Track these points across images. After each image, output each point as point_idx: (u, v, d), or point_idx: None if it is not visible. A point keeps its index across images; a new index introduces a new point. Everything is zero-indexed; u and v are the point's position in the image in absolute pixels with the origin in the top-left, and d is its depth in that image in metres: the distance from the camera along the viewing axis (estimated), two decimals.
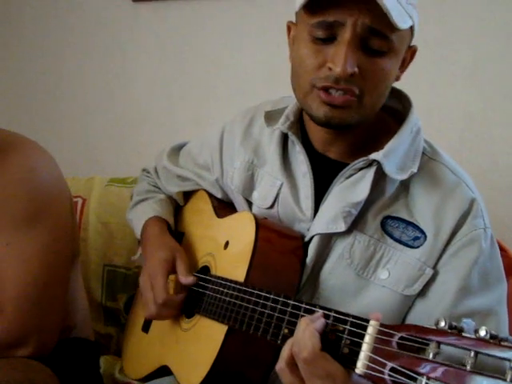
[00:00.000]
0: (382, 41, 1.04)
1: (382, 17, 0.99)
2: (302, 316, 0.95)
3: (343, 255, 1.15)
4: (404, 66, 1.16)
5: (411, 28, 1.09)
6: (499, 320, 1.10)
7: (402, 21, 1.02)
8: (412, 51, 1.16)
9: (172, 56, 2.40)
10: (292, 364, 0.85)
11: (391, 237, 1.13)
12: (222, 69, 2.34)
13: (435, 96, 2.06)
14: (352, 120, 1.10)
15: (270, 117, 1.28)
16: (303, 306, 0.96)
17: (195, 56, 2.38)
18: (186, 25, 2.37)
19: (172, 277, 1.31)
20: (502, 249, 1.56)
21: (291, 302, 0.99)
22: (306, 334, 0.85)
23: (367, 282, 1.14)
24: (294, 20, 1.17)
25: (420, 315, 1.11)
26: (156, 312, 1.29)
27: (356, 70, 1.04)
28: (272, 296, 1.03)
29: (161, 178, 1.55)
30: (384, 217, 1.14)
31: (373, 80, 1.07)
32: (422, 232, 1.12)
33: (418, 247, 1.12)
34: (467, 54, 2.10)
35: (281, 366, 0.87)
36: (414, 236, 1.12)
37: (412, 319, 1.12)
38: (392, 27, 1.01)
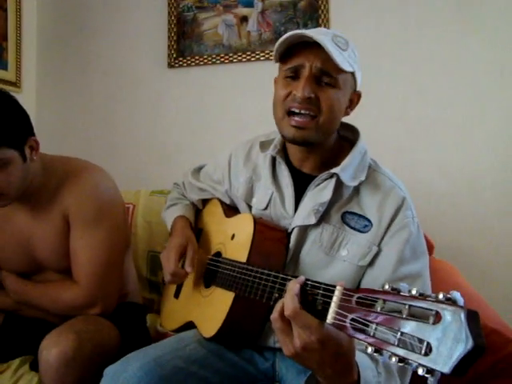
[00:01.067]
0: (330, 78, 1.08)
1: (329, 63, 1.05)
2: None
3: (315, 240, 1.14)
4: (352, 105, 1.17)
5: (353, 76, 1.12)
6: (424, 281, 1.10)
7: (343, 64, 1.06)
8: (357, 95, 1.18)
9: (195, 105, 2.39)
10: (282, 314, 0.84)
11: (349, 226, 1.14)
12: (229, 113, 2.34)
13: (373, 132, 2.05)
14: (312, 138, 1.11)
15: (264, 145, 1.29)
16: (289, 277, 0.95)
17: (210, 106, 2.37)
18: (204, 84, 2.37)
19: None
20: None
21: (280, 275, 0.98)
22: (288, 297, 0.84)
23: (333, 259, 1.14)
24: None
25: (369, 280, 1.11)
26: (169, 279, 1.27)
27: (312, 95, 1.07)
28: (266, 271, 1.02)
29: (186, 190, 1.53)
30: (343, 212, 1.14)
31: (326, 104, 1.09)
32: (370, 221, 1.12)
33: (367, 232, 1.12)
34: (397, 93, 2.10)
35: (274, 316, 0.85)
36: (364, 224, 1.12)
37: (364, 283, 1.12)
38: (337, 70, 1.06)
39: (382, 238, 1.11)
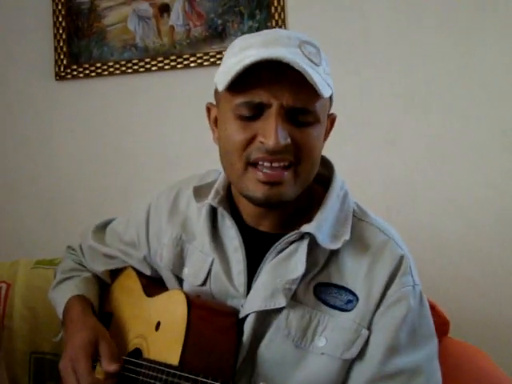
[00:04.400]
0: (307, 115, 1.08)
1: (304, 93, 1.05)
2: None
3: (279, 327, 1.13)
4: (326, 133, 1.19)
5: (331, 98, 1.15)
6: (427, 379, 1.10)
7: (324, 90, 1.06)
8: (331, 119, 1.21)
9: (95, 131, 2.41)
10: None
11: (325, 303, 1.13)
12: (148, 144, 2.36)
13: (359, 161, 2.10)
14: (291, 194, 1.11)
15: (199, 192, 1.27)
16: None
17: (120, 134, 2.39)
18: (106, 101, 2.40)
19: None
20: (431, 306, 1.56)
21: None
22: None
23: (306, 352, 1.12)
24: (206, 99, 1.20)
25: (356, 377, 1.11)
26: None
27: (289, 140, 1.06)
28: (210, 382, 0.99)
29: (86, 257, 1.50)
30: (316, 284, 1.15)
31: (305, 148, 1.09)
32: (354, 294, 1.12)
33: (351, 310, 1.12)
34: (387, 120, 2.18)
35: None
36: (347, 299, 1.13)
37: (350, 382, 1.11)
38: (314, 100, 1.07)
39: (373, 317, 1.12)
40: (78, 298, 1.38)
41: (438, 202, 2.14)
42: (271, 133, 1.04)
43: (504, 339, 2.07)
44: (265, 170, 1.08)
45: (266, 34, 1.12)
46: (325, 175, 1.23)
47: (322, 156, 1.23)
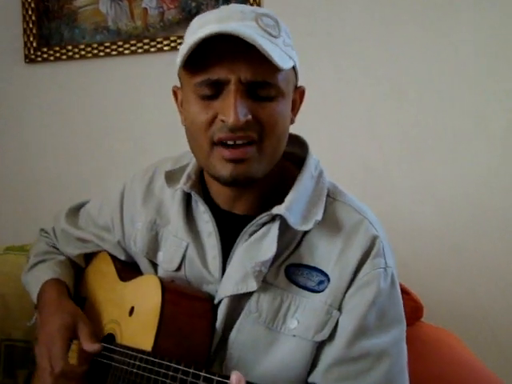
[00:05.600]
0: (268, 89, 1.06)
1: (263, 66, 1.03)
2: None
3: (250, 310, 1.13)
4: (295, 107, 1.18)
5: (294, 69, 1.12)
6: (392, 362, 1.09)
7: (283, 62, 1.04)
8: (300, 92, 1.18)
9: (67, 116, 2.39)
10: None
11: (297, 284, 1.12)
12: (121, 129, 2.35)
13: (335, 150, 2.10)
14: (258, 172, 1.10)
15: (171, 177, 1.26)
16: (215, 378, 0.91)
17: (93, 119, 2.37)
18: (78, 85, 2.38)
19: (75, 344, 1.22)
20: (405, 292, 1.60)
21: (202, 374, 0.94)
22: None
23: (277, 334, 1.12)
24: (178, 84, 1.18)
25: (323, 358, 1.10)
26: (52, 383, 1.19)
27: (249, 117, 1.05)
28: (182, 367, 0.98)
29: (59, 240, 1.49)
30: (288, 265, 1.13)
31: (269, 123, 1.07)
32: (326, 275, 1.11)
33: (323, 291, 1.11)
34: (365, 107, 2.19)
35: None
36: (319, 280, 1.12)
37: (318, 362, 1.11)
38: (274, 73, 1.05)
39: (343, 298, 1.11)
40: (53, 281, 1.36)
41: (415, 190, 2.16)
42: (230, 110, 1.03)
43: (477, 325, 2.11)
44: (229, 148, 1.07)
45: (221, 9, 1.11)
46: (300, 156, 1.21)
47: (297, 136, 1.23)
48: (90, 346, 1.19)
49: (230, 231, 1.18)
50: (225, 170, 1.08)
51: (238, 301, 1.13)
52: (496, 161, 2.11)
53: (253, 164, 1.08)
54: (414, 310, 1.65)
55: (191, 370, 0.95)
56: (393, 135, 2.17)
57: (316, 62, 2.13)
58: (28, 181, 2.40)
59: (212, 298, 1.16)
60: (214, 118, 1.06)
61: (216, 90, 1.05)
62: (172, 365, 1.00)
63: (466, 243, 2.14)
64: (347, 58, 2.18)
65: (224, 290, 1.14)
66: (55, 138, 2.38)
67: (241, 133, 1.05)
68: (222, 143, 1.07)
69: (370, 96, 2.17)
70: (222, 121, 1.05)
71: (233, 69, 1.03)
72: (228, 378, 0.87)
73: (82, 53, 2.33)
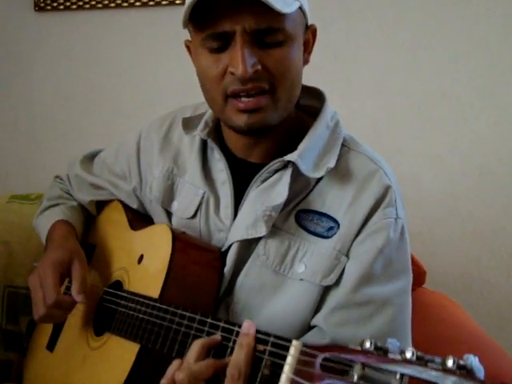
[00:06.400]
0: (274, 35, 1.04)
1: (266, 13, 1.00)
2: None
3: (258, 254, 1.14)
4: (309, 47, 1.16)
5: (301, 9, 1.10)
6: (395, 312, 1.09)
7: (286, 5, 1.02)
8: (312, 30, 1.16)
9: (76, 65, 2.38)
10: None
11: (306, 229, 1.13)
12: (134, 81, 2.34)
13: (345, 108, 2.11)
14: (273, 119, 1.10)
15: (188, 123, 1.26)
16: (221, 324, 0.92)
17: (105, 70, 2.36)
18: (87, 35, 2.37)
19: (68, 283, 1.26)
20: None
21: (208, 321, 0.95)
22: (242, 356, 0.83)
23: (284, 278, 1.12)
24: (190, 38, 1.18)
25: (328, 301, 1.11)
26: (45, 313, 1.21)
27: (259, 67, 1.04)
28: (188, 314, 0.99)
29: (73, 186, 1.50)
30: (298, 211, 1.14)
31: (279, 70, 1.06)
32: (336, 221, 1.12)
33: (331, 237, 1.11)
34: (375, 66, 2.17)
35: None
36: (329, 226, 1.12)
37: (322, 306, 1.11)
38: (278, 18, 1.03)
39: (352, 244, 1.11)
40: (63, 223, 1.39)
41: (423, 155, 2.16)
42: (238, 61, 1.02)
43: (481, 298, 2.13)
44: (243, 99, 1.06)
45: None
46: (317, 107, 1.21)
47: (315, 88, 1.23)
48: (77, 296, 1.20)
49: (244, 180, 1.19)
50: (240, 120, 1.08)
51: (248, 246, 1.15)
52: (506, 129, 2.11)
53: (267, 112, 1.08)
54: (416, 275, 1.66)
55: (197, 317, 0.97)
56: (404, 98, 2.16)
57: (329, 22, 2.11)
58: (36, 130, 2.40)
59: (219, 248, 1.18)
60: (225, 70, 1.06)
61: (223, 42, 1.05)
62: (178, 311, 1.01)
63: (473, 212, 2.14)
64: (361, 18, 2.16)
65: (234, 235, 1.15)
66: (64, 87, 2.38)
67: (252, 84, 1.04)
68: (235, 95, 1.07)
69: (382, 58, 2.16)
70: (232, 73, 1.04)
71: (237, 19, 1.02)
72: (233, 324, 0.88)
73: (93, 3, 2.32)
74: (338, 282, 1.10)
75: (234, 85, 1.05)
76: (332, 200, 1.13)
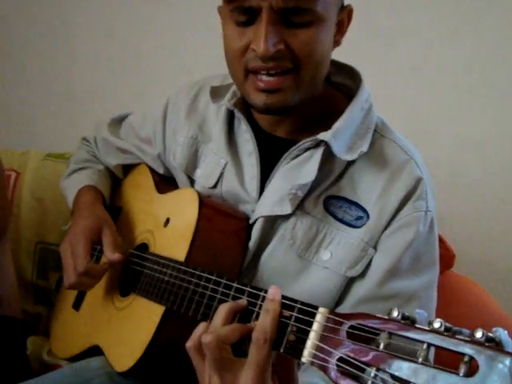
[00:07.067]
0: (303, 15, 1.02)
1: None
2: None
3: (285, 236, 1.13)
4: (342, 29, 1.13)
5: None
6: (420, 306, 1.08)
7: None
8: (348, 11, 1.13)
9: (114, 30, 2.36)
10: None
11: (334, 217, 1.12)
12: (166, 44, 2.32)
13: (382, 88, 2.10)
14: (293, 100, 1.08)
15: (216, 92, 1.25)
16: (247, 289, 0.92)
17: (138, 31, 2.34)
18: (125, 5, 2.34)
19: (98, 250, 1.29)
20: (439, 239, 1.60)
21: (234, 285, 0.95)
22: (268, 321, 0.82)
23: (309, 264, 1.12)
24: None
25: (353, 293, 1.11)
26: (75, 281, 1.23)
27: (281, 46, 1.02)
28: (214, 278, 0.99)
29: (100, 150, 1.51)
30: (327, 196, 1.13)
31: (304, 51, 1.03)
32: (365, 211, 1.11)
33: (360, 227, 1.11)
34: (415, 46, 2.14)
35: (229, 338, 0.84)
36: (357, 215, 1.11)
37: (345, 298, 1.12)
38: None
39: (380, 237, 1.11)
40: (90, 188, 1.40)
41: (459, 139, 2.13)
42: (260, 39, 1.00)
43: (504, 281, 2.12)
44: (263, 78, 1.05)
45: None
46: (351, 87, 1.19)
47: (351, 67, 1.21)
48: (111, 255, 1.22)
49: (270, 154, 1.18)
50: (258, 99, 1.07)
51: (273, 223, 1.14)
52: None
53: (288, 93, 1.06)
54: (446, 259, 1.66)
55: (223, 281, 0.96)
56: (443, 81, 2.13)
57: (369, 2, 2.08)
58: (72, 91, 2.39)
59: (247, 217, 1.18)
60: (248, 45, 1.05)
61: (250, 16, 1.03)
62: (204, 275, 1.01)
63: (508, 199, 2.12)
64: None
65: (260, 210, 1.15)
66: (101, 50, 2.37)
67: (273, 63, 1.03)
68: (255, 72, 1.06)
69: (423, 40, 2.13)
70: (253, 50, 1.03)
71: None
72: (259, 289, 0.88)
73: None
74: (363, 274, 1.10)
75: (255, 61, 1.04)
76: (363, 189, 1.12)
